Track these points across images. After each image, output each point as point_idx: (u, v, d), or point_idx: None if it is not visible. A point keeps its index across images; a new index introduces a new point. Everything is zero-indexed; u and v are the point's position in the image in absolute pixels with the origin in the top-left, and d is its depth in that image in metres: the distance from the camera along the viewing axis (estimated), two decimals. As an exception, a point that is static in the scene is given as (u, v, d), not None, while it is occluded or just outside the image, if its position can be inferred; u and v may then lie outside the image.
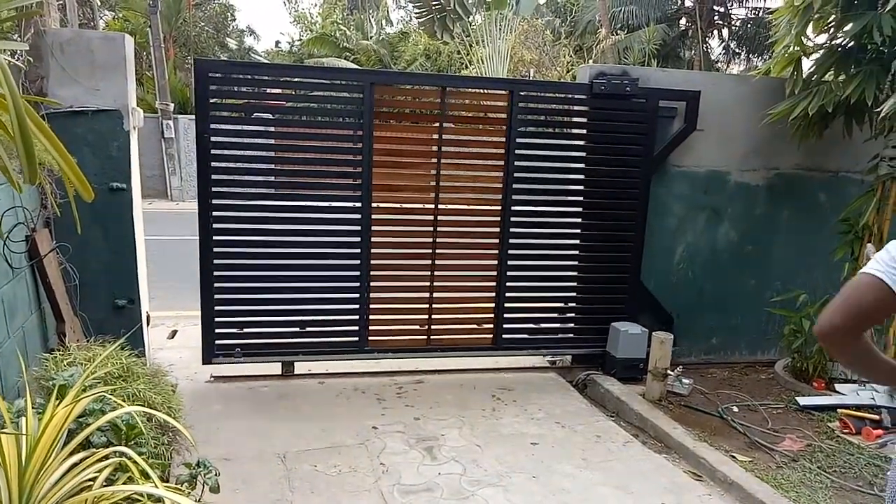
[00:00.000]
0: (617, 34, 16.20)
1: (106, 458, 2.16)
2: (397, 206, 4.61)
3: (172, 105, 14.47)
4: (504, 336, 4.83)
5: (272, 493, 3.16)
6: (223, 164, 4.26)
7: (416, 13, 14.62)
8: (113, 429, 2.37)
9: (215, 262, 4.31)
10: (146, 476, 1.99)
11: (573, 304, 4.95)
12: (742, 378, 5.03)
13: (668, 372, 4.46)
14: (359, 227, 4.45)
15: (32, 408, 2.10)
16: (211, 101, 4.18)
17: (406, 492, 3.24)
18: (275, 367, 4.63)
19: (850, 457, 3.77)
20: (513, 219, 4.66)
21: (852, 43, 4.43)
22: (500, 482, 3.37)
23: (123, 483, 2.07)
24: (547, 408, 4.34)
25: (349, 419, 4.01)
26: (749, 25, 18.32)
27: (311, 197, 4.51)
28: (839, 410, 4.25)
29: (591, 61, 14.87)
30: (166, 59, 14.71)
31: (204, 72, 4.14)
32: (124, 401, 2.92)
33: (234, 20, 23.96)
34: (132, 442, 2.39)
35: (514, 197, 4.63)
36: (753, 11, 18.41)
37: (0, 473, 1.83)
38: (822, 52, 4.62)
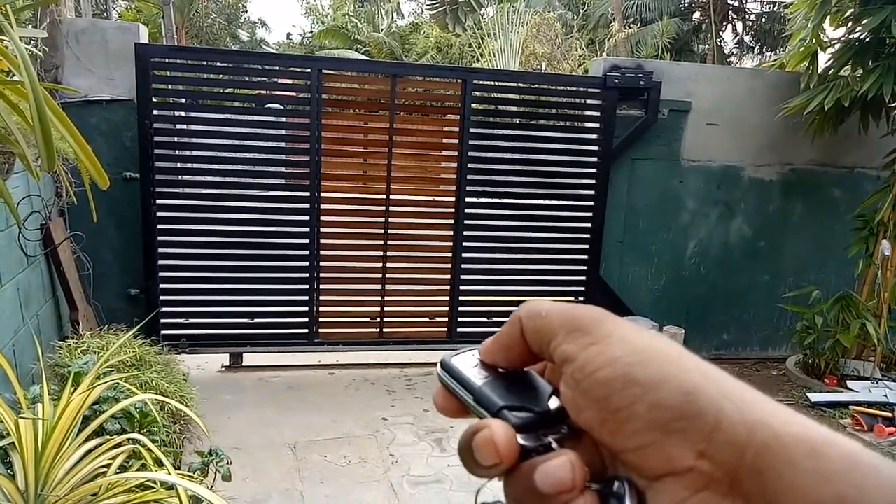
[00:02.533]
0: (630, 28, 16.08)
1: (120, 445, 2.18)
2: (347, 196, 4.49)
3: (184, 96, 14.52)
4: (459, 329, 4.74)
5: (282, 482, 3.19)
6: (166, 152, 4.18)
7: (427, 5, 14.57)
8: (126, 416, 2.40)
9: (160, 251, 4.22)
10: (159, 463, 2.01)
11: (528, 297, 4.87)
12: (753, 374, 5.01)
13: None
14: (308, 217, 4.35)
15: (49, 394, 2.12)
16: (153, 86, 4.02)
17: (415, 483, 3.25)
18: (292, 358, 4.65)
19: (861, 454, 3.74)
20: (467, 210, 4.56)
21: (870, 37, 4.37)
22: (509, 475, 3.38)
23: (137, 470, 2.09)
24: (556, 401, 4.34)
25: (359, 410, 4.03)
26: (763, 19, 18.14)
27: (259, 185, 4.41)
28: (851, 407, 4.22)
29: (603, 55, 14.79)
30: (178, 50, 14.76)
31: (146, 57, 3.96)
32: (137, 389, 2.95)
33: (246, 11, 24.01)
34: (145, 430, 2.41)
35: (468, 188, 4.52)
36: (768, 5, 18.22)
37: (17, 458, 1.85)
38: (838, 46, 4.57)
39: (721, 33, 18.35)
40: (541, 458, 0.32)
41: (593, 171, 4.67)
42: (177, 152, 4.43)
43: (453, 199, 4.55)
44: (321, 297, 4.51)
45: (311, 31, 25.71)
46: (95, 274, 4.07)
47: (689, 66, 5.10)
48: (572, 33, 16.91)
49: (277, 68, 4.48)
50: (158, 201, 4.18)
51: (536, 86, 4.94)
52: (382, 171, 4.43)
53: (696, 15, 18.48)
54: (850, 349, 4.65)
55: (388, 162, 4.40)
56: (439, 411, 0.38)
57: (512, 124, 4.93)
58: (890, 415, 4.09)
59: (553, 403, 0.34)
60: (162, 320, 4.34)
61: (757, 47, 19.04)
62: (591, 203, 4.72)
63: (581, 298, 4.81)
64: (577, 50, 15.35)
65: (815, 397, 4.41)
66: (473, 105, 4.44)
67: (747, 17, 18.55)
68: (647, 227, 4.91)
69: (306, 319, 4.53)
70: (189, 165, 4.43)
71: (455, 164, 4.51)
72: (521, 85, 4.87)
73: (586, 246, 4.78)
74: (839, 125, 4.64)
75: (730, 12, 17.99)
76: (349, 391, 4.34)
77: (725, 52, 18.89)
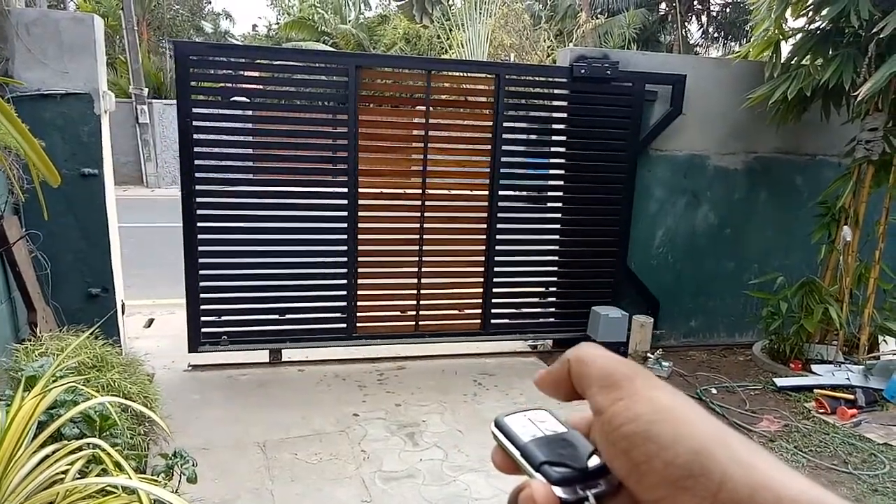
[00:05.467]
0: (597, 18, 16.16)
1: (79, 449, 2.11)
2: (384, 191, 4.56)
3: (147, 90, 14.16)
4: (492, 321, 4.84)
5: (251, 481, 3.13)
6: (206, 150, 4.20)
7: (395, -4, 14.44)
8: (86, 420, 2.32)
9: (200, 248, 4.25)
10: (120, 468, 1.95)
11: (557, 289, 4.95)
12: (721, 360, 5.09)
13: (649, 355, 4.49)
14: (346, 213, 4.41)
15: (0, 400, 2.04)
16: (192, 84, 4.10)
17: (387, 478, 3.22)
18: (261, 355, 4.59)
19: (825, 436, 3.83)
20: (500, 203, 4.65)
21: (830, 27, 4.44)
22: (482, 467, 3.37)
23: (97, 475, 2.02)
24: (528, 392, 4.35)
25: (330, 406, 3.99)
26: (727, 10, 18.39)
27: (297, 182, 4.46)
28: (815, 391, 4.32)
29: (571, 45, 14.83)
30: (140, 43, 14.38)
31: (184, 54, 4.05)
32: (98, 391, 2.86)
33: (210, 3, 23.54)
34: (106, 433, 2.34)
35: (501, 182, 4.62)
36: (732, -4, 18.47)
37: (-34, 468, 1.77)
38: (800, 35, 4.63)
39: (687, 24, 18.57)
40: None
41: (622, 164, 4.75)
42: (215, 150, 4.43)
43: (487, 192, 4.61)
44: (359, 292, 4.55)
45: (278, 23, 25.31)
46: (54, 273, 3.94)
47: (655, 55, 5.13)
48: (540, 24, 16.93)
49: (316, 65, 4.54)
50: (198, 199, 4.18)
51: (557, 79, 4.85)
52: (419, 165, 4.49)
53: (663, 6, 18.65)
54: (814, 334, 4.75)
55: (423, 156, 4.46)
56: (496, 468, 0.42)
57: (543, 118, 4.91)
58: (852, 397, 4.19)
59: (593, 461, 0.38)
60: (202, 318, 4.35)
61: (721, 38, 19.32)
62: (619, 195, 4.81)
63: (609, 290, 4.91)
64: (545, 41, 15.38)
65: (780, 382, 4.49)
66: (506, 100, 4.51)
67: (711, 8, 18.79)
68: (615, 216, 4.93)
69: (344, 314, 4.56)
70: (229, 164, 4.45)
71: (489, 158, 4.57)
72: (550, 79, 4.82)
73: (615, 238, 4.88)
74: (802, 114, 4.71)
75: (695, 3, 18.20)
76: (320, 388, 4.29)
77: (691, 42, 19.12)
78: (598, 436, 0.38)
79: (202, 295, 4.33)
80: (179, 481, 2.49)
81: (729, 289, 5.27)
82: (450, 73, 4.79)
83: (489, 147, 4.56)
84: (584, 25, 14.96)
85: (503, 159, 4.59)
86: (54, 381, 2.23)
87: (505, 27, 14.97)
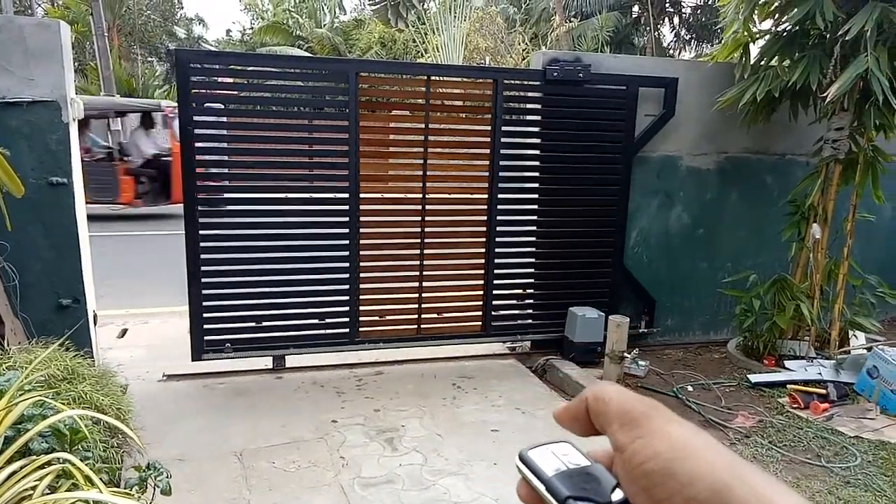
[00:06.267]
0: (571, 21, 16.30)
1: (49, 464, 2.07)
2: (385, 196, 4.60)
3: (118, 96, 13.97)
4: (493, 323, 4.89)
5: (228, 492, 3.09)
6: (208, 157, 4.22)
7: (370, 1, 14.44)
8: (55, 434, 2.27)
9: (202, 256, 4.24)
10: (91, 482, 1.92)
11: (557, 290, 4.99)
12: (696, 358, 5.15)
13: (625, 354, 4.53)
14: (347, 219, 4.43)
15: (-35, 415, 1.99)
16: (193, 92, 4.10)
17: (366, 485, 3.21)
18: (236, 364, 4.54)
19: (799, 431, 3.89)
20: (499, 206, 4.70)
21: (796, 29, 4.53)
22: (461, 471, 3.37)
23: (66, 490, 1.99)
24: (507, 394, 4.36)
25: (308, 414, 3.96)
26: (699, 13, 18.66)
27: (299, 188, 4.49)
28: (788, 386, 4.39)
29: (544, 48, 14.94)
30: (110, 49, 14.18)
31: (185, 62, 4.06)
32: (69, 404, 2.81)
33: (182, 8, 23.32)
34: (77, 447, 2.29)
35: (500, 185, 4.67)
36: (702, -1, 18.75)
37: (-71, 486, 1.73)
38: (767, 37, 4.72)
39: (659, 27, 18.80)
40: None
41: (617, 166, 4.83)
42: (216, 157, 4.44)
43: (486, 195, 4.66)
44: (361, 297, 4.56)
45: (252, 28, 25.14)
46: (23, 284, 3.86)
47: (626, 58, 5.20)
48: (515, 27, 17.03)
49: (315, 72, 4.56)
50: (201, 207, 4.17)
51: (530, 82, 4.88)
52: (419, 171, 4.52)
53: (635, 9, 18.86)
54: (787, 330, 4.83)
55: (423, 161, 4.49)
56: (521, 501, 0.43)
57: (536, 122, 4.93)
58: (824, 391, 4.27)
59: (616, 496, 0.39)
60: (206, 326, 4.32)
61: (693, 40, 19.59)
62: (616, 197, 4.88)
63: (606, 289, 4.99)
64: (520, 44, 15.47)
65: (755, 378, 4.56)
66: (504, 105, 4.55)
67: (683, 10, 19.05)
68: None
69: (347, 319, 4.57)
70: (231, 171, 4.45)
71: (487, 163, 4.62)
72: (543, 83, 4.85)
73: (611, 238, 4.95)
74: (771, 114, 4.79)
75: (667, 6, 18.43)
76: (298, 394, 4.25)
77: (664, 44, 19.36)
78: (620, 472, 0.39)
79: (205, 303, 4.31)
80: (154, 494, 2.45)
81: (703, 287, 5.34)
82: (449, 79, 4.84)
83: (488, 151, 4.62)
84: (558, 29, 15.07)
85: (502, 163, 4.64)
86: (21, 395, 2.18)
87: (480, 31, 15.04)
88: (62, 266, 4.01)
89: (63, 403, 2.65)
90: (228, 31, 29.28)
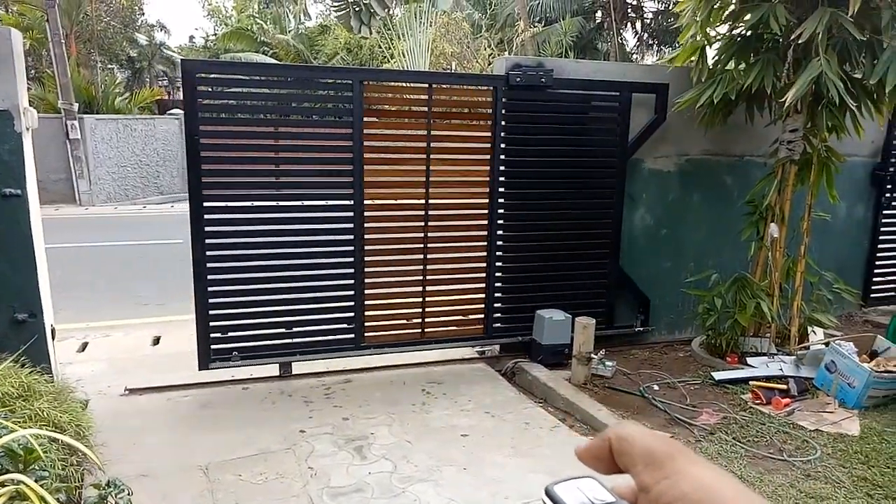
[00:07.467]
0: (535, 27, 16.45)
1: (3, 485, 2.01)
2: (389, 202, 4.64)
3: (77, 104, 13.64)
4: (495, 325, 4.96)
5: (194, 506, 3.04)
6: (213, 167, 4.20)
7: (333, 7, 14.37)
8: (9, 454, 2.21)
9: (209, 265, 4.21)
10: (46, 503, 1.87)
11: (554, 292, 5.04)
12: (662, 357, 5.22)
13: (592, 356, 4.57)
14: (352, 225, 4.45)
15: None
16: (199, 101, 4.10)
17: (335, 494, 3.18)
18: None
19: (761, 426, 3.98)
20: (500, 211, 4.77)
21: (751, 33, 4.65)
22: (431, 477, 3.36)
23: (20, 511, 1.93)
24: (476, 398, 4.37)
25: (275, 424, 3.91)
26: (660, 18, 19.00)
27: (304, 196, 4.50)
28: (751, 382, 4.48)
29: (506, 53, 15.06)
30: (68, 56, 13.84)
31: (191, 72, 4.04)
32: (25, 422, 2.74)
33: (143, 14, 22.92)
34: (32, 467, 2.23)
35: (500, 189, 4.74)
36: (663, 4, 19.10)
37: None
38: (723, 41, 4.83)
39: (622, 32, 19.08)
40: None
41: (612, 170, 4.96)
42: (223, 167, 4.38)
43: (487, 200, 4.74)
44: (366, 302, 4.58)
45: (215, 34, 24.83)
46: (-25, 300, 3.74)
47: (588, 63, 5.27)
48: (481, 33, 17.15)
49: (321, 80, 4.61)
50: (207, 216, 4.15)
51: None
52: (421, 177, 4.56)
53: (599, 14, 19.13)
54: (748, 327, 4.93)
55: (426, 167, 4.54)
56: None
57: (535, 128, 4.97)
58: (785, 387, 4.37)
59: None
60: (212, 335, 4.29)
61: (656, 45, 19.93)
62: (612, 199, 5.00)
63: (603, 290, 5.12)
64: (486, 49, 15.57)
65: (718, 375, 4.65)
66: (503, 111, 4.61)
67: (645, 16, 19.38)
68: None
69: (352, 325, 4.58)
70: (236, 180, 4.41)
71: (488, 168, 4.68)
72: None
73: (608, 241, 5.06)
74: (728, 116, 4.90)
75: (629, 12, 18.72)
76: (265, 405, 4.20)
77: (627, 49, 19.66)
78: None
79: (212, 311, 4.28)
80: (114, 512, 2.40)
81: (668, 287, 5.42)
82: (450, 86, 4.89)
83: (489, 157, 4.68)
84: (522, 34, 15.20)
85: (502, 168, 4.69)
86: (-28, 415, 2.11)
87: (446, 36, 15.09)
88: (17, 280, 3.89)
89: (18, 422, 2.58)
90: (192, 37, 28.90)
